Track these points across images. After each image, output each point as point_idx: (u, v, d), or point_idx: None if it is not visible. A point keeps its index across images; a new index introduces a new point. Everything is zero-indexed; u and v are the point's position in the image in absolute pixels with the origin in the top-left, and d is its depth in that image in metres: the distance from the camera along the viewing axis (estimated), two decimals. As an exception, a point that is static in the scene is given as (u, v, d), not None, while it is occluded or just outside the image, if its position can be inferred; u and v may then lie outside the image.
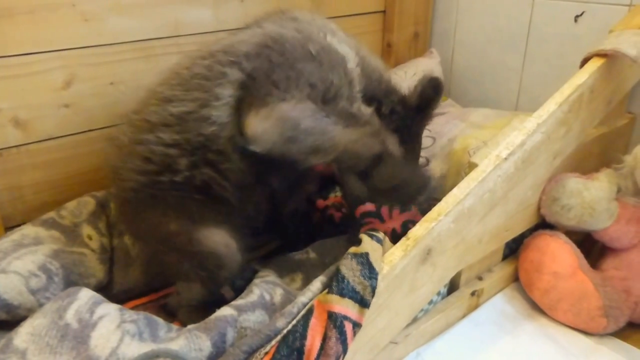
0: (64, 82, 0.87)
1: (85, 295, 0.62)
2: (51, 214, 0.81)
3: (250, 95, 0.67)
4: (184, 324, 0.73)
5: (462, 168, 0.88)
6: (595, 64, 0.80)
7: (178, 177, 0.70)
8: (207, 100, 0.69)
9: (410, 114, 0.82)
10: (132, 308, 0.79)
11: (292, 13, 0.82)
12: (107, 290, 0.79)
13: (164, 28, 0.94)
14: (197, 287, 0.76)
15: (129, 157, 0.71)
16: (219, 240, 0.71)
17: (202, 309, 0.73)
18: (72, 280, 0.73)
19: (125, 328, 0.59)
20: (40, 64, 0.84)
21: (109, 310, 0.61)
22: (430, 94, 0.80)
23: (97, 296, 0.63)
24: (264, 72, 0.68)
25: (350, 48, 0.79)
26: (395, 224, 0.80)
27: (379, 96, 0.80)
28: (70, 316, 0.58)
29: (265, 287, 0.70)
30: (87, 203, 0.84)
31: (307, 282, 0.73)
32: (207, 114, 0.69)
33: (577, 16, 1.04)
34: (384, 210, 0.79)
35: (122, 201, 0.75)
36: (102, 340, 0.57)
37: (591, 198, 0.79)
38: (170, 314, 0.79)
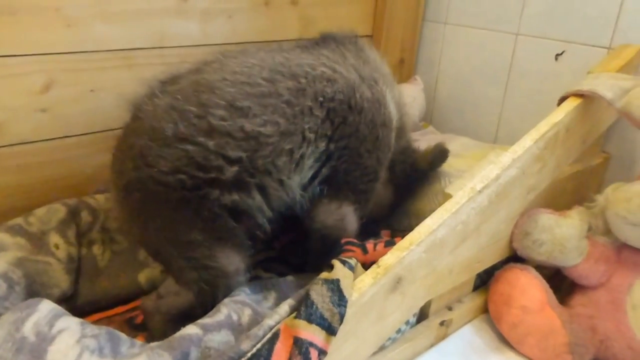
0: (42, 86, 0.86)
1: (46, 307, 0.60)
2: (18, 220, 0.79)
3: (329, 186, 0.76)
4: (152, 333, 0.72)
5: (434, 194, 0.89)
6: (572, 103, 0.82)
7: (225, 196, 0.66)
8: (289, 132, 0.68)
9: (416, 174, 0.90)
10: (97, 321, 0.78)
11: (360, 42, 0.86)
12: (72, 302, 0.77)
13: (149, 38, 0.94)
14: (187, 297, 0.72)
15: (170, 150, 0.65)
16: (234, 261, 0.70)
17: (178, 322, 0.71)
18: (34, 290, 0.72)
19: (85, 343, 0.58)
20: (19, 66, 0.83)
21: (69, 324, 0.59)
22: (438, 163, 0.90)
23: (58, 309, 0.61)
24: (349, 171, 0.77)
25: (394, 102, 0.84)
26: (378, 258, 0.79)
27: (397, 156, 0.87)
28: (27, 329, 0.56)
29: (234, 306, 0.69)
30: (58, 210, 0.83)
31: (280, 301, 0.73)
32: (288, 146, 0.69)
33: (557, 54, 1.07)
34: (369, 243, 0.79)
35: (142, 191, 0.67)
36: (60, 355, 0.55)
37: (562, 235, 0.80)
38: (135, 328, 0.77)
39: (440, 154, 0.89)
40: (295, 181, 0.72)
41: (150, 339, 0.73)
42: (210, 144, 0.65)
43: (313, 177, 0.75)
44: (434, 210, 0.74)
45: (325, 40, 0.84)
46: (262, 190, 0.69)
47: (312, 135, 0.71)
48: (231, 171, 0.66)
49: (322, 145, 0.73)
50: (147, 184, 0.66)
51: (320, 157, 0.74)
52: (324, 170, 0.75)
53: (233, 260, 0.70)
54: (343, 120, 0.74)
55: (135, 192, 0.68)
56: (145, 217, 0.69)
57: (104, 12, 0.87)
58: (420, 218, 0.88)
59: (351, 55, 0.81)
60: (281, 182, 0.70)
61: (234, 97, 0.67)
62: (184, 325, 0.64)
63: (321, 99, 0.72)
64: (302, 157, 0.71)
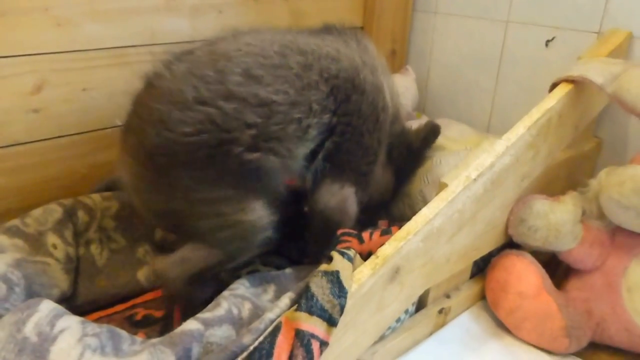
0: (34, 87, 0.85)
1: (46, 307, 0.60)
2: (15, 222, 0.79)
3: (331, 163, 0.78)
4: (174, 298, 0.73)
5: (424, 173, 0.91)
6: (563, 90, 0.83)
7: (245, 154, 0.68)
8: (298, 102, 0.72)
9: (412, 155, 0.93)
10: (97, 319, 0.78)
11: (360, 34, 0.88)
12: (71, 301, 0.77)
13: (139, 36, 0.93)
14: (217, 255, 0.72)
15: (192, 113, 0.66)
16: (263, 215, 0.71)
17: (202, 282, 0.73)
18: (34, 291, 0.71)
19: (87, 342, 0.58)
20: (10, 67, 0.82)
21: (70, 323, 0.60)
22: (430, 140, 0.94)
23: (59, 308, 0.62)
24: (351, 150, 0.79)
25: (390, 92, 0.87)
26: (374, 247, 0.80)
27: (394, 140, 0.90)
28: (29, 329, 0.56)
29: (234, 300, 0.70)
30: (54, 211, 0.82)
31: (279, 294, 0.73)
32: (296, 115, 0.72)
33: (548, 41, 1.07)
34: (366, 233, 0.80)
35: (167, 155, 0.67)
36: (62, 355, 0.55)
37: (556, 220, 0.80)
38: (135, 326, 0.77)
39: (432, 130, 0.93)
40: (301, 151, 0.75)
41: (170, 302, 0.76)
42: (229, 108, 0.67)
43: (317, 151, 0.77)
44: (422, 190, 0.75)
45: (328, 29, 0.87)
46: (276, 154, 0.71)
47: (317, 108, 0.74)
48: (248, 134, 0.68)
49: (326, 118, 0.76)
50: (172, 147, 0.67)
51: (323, 130, 0.76)
52: (327, 144, 0.77)
53: (263, 215, 0.72)
54: (346, 98, 0.77)
55: (159, 157, 0.68)
56: (172, 181, 0.69)
57: (94, 10, 0.87)
58: (412, 198, 0.90)
59: (353, 43, 0.85)
60: (289, 150, 0.73)
61: (249, 65, 0.70)
62: (206, 283, 0.68)
63: (326, 75, 0.75)
64: (308, 127, 0.74)
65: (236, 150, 0.68)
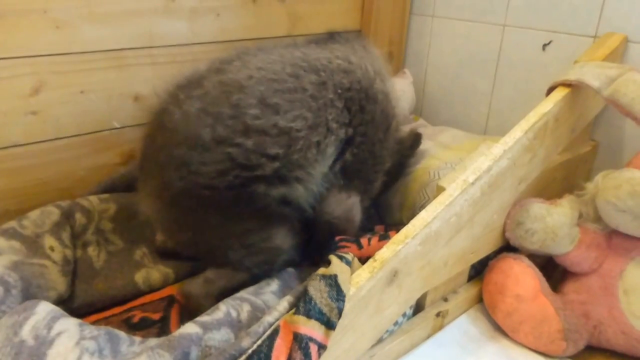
0: (32, 89, 0.85)
1: (44, 309, 0.60)
2: (12, 223, 0.79)
3: (344, 174, 0.78)
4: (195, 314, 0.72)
5: (422, 187, 0.90)
6: (560, 93, 0.83)
7: (271, 189, 0.69)
8: (316, 125, 0.71)
9: (402, 160, 0.95)
10: (94, 322, 0.77)
11: (364, 39, 0.89)
12: (68, 304, 0.77)
13: (137, 38, 0.93)
14: (243, 276, 0.74)
15: (211, 155, 0.66)
16: (287, 239, 0.73)
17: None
18: (31, 293, 0.71)
19: (85, 345, 0.58)
20: (8, 69, 0.82)
21: (68, 326, 0.59)
22: (416, 146, 0.97)
23: (57, 310, 0.61)
24: (363, 160, 0.80)
25: (395, 100, 0.89)
26: (373, 252, 0.81)
27: (393, 146, 0.90)
28: (26, 332, 0.56)
29: (232, 303, 0.69)
30: (51, 213, 0.82)
31: (283, 289, 0.74)
32: (315, 139, 0.71)
33: (545, 45, 1.08)
34: (364, 238, 0.81)
35: (192, 198, 0.68)
36: (59, 359, 0.55)
37: (554, 223, 0.81)
38: (133, 328, 0.77)
39: (416, 138, 0.97)
40: (320, 171, 0.75)
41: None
42: (249, 143, 0.67)
43: (333, 163, 0.78)
44: (423, 204, 0.75)
45: (333, 37, 0.87)
46: (300, 182, 0.72)
47: (335, 126, 0.74)
48: (272, 167, 0.68)
49: (342, 133, 0.76)
50: (196, 190, 0.67)
51: (339, 145, 0.76)
52: (347, 156, 0.77)
53: (287, 239, 0.73)
54: (360, 108, 0.77)
55: (185, 201, 0.69)
56: (197, 221, 0.70)
57: (92, 13, 0.87)
58: (410, 211, 0.90)
59: (360, 50, 0.85)
60: (310, 174, 0.73)
61: (264, 94, 0.69)
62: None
63: (339, 90, 0.75)
64: (326, 146, 0.74)
65: (261, 188, 0.68)
